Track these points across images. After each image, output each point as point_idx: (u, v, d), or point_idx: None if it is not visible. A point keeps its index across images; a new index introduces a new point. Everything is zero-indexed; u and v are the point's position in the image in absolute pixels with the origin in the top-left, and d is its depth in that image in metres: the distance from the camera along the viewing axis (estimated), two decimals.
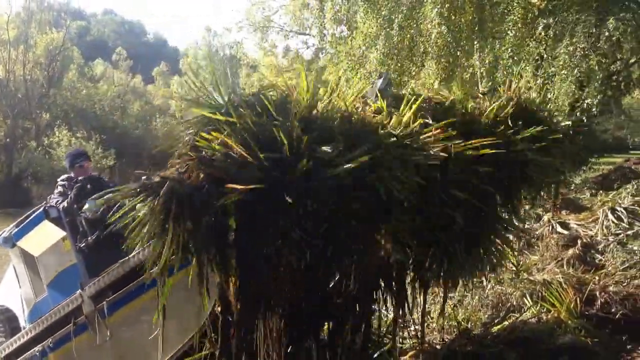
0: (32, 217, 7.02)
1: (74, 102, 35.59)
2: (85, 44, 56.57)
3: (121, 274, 5.58)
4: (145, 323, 5.42)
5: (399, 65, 15.32)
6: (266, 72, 38.47)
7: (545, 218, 8.75)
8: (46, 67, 34.56)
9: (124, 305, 5.60)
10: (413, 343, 4.85)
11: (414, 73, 15.63)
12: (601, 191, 11.53)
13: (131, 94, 41.49)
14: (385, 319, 6.37)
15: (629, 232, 7.25)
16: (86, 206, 6.82)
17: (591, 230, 7.86)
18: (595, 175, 14.28)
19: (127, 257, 5.52)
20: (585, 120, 12.34)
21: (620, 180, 12.58)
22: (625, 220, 7.62)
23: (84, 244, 6.75)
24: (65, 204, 7.02)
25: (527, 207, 9.47)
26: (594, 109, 11.49)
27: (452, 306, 7.12)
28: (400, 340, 5.22)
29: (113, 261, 5.71)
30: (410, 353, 4.80)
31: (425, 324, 5.52)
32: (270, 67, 37.92)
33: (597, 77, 10.98)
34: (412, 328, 5.60)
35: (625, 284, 6.22)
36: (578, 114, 11.76)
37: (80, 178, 7.28)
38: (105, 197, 6.79)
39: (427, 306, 7.16)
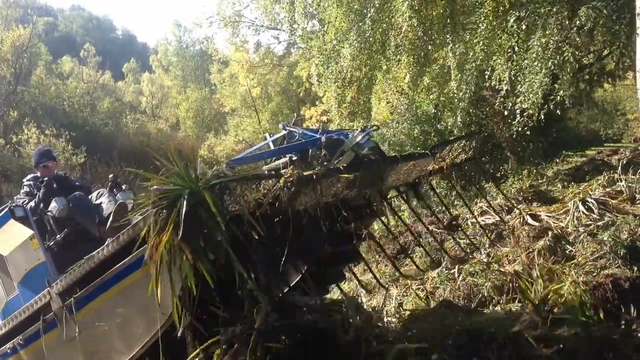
0: None
1: (43, 99, 35.06)
2: (53, 40, 55.88)
3: (87, 270, 5.55)
4: (112, 318, 5.42)
5: (371, 59, 15.34)
6: (237, 68, 38.36)
7: (517, 210, 8.81)
8: (13, 64, 33.93)
9: (91, 300, 5.58)
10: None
11: (385, 67, 15.66)
12: (573, 183, 11.63)
13: (100, 90, 41.02)
14: None
15: (599, 223, 7.31)
16: (53, 205, 6.77)
17: (562, 221, 7.92)
18: (568, 168, 14.40)
19: (92, 254, 5.52)
20: (559, 113, 12.49)
21: (592, 172, 12.70)
22: (596, 211, 7.68)
23: (52, 243, 6.71)
24: (32, 203, 6.98)
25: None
26: (566, 102, 11.59)
27: (423, 298, 7.17)
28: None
29: (82, 258, 5.70)
30: None
31: (399, 315, 5.53)
32: (241, 63, 37.76)
33: (570, 69, 11.08)
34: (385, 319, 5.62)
35: (595, 274, 6.28)
36: (551, 106, 11.86)
37: (46, 177, 7.24)
38: (71, 195, 6.80)
39: (399, 298, 7.24)
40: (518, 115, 12.29)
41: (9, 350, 6.49)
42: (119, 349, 5.52)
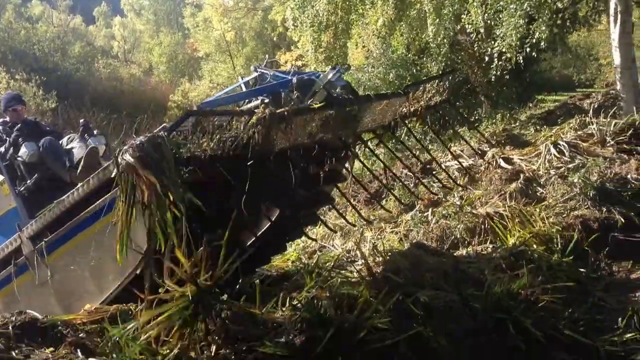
0: None
1: (12, 44, 34.21)
2: None
3: (57, 214, 5.53)
4: (83, 261, 5.44)
5: (347, 2, 15.15)
6: (211, 12, 37.68)
7: (490, 154, 8.87)
8: None
9: (62, 244, 5.57)
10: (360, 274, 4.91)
11: (362, 11, 15.49)
12: (545, 127, 11.72)
13: (71, 35, 40.05)
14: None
15: (570, 166, 7.39)
16: (23, 150, 6.69)
17: (534, 164, 8.00)
18: (540, 112, 14.49)
19: (62, 198, 5.49)
20: (535, 56, 12.50)
21: (564, 116, 12.79)
22: (567, 154, 7.76)
23: (23, 188, 6.64)
24: (2, 148, 6.89)
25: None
26: (542, 43, 11.58)
27: (398, 240, 7.26)
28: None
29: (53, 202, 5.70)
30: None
31: (371, 258, 5.59)
32: (215, 7, 37.08)
33: (546, 11, 11.03)
34: (359, 262, 5.68)
35: (565, 215, 6.39)
36: (528, 49, 11.85)
37: (16, 122, 7.14)
38: (42, 140, 6.72)
39: (373, 241, 7.32)
40: (495, 59, 12.28)
41: None
42: (92, 292, 5.54)
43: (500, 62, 12.23)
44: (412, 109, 6.24)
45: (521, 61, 12.10)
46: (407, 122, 6.35)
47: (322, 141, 5.52)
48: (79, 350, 4.11)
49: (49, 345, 4.22)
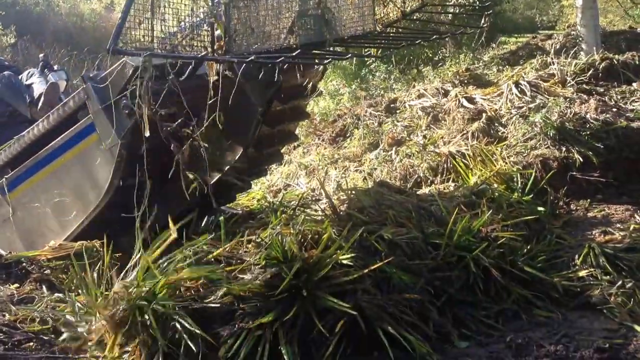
0: None
1: None
2: None
3: (18, 150, 5.47)
4: (46, 198, 5.42)
5: None
6: None
7: (453, 93, 8.90)
8: None
9: (24, 181, 5.53)
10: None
11: None
12: (507, 67, 11.78)
13: None
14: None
15: (531, 105, 7.45)
16: None
17: (496, 104, 8.05)
18: (503, 52, 14.53)
19: (22, 134, 5.43)
20: None
21: (526, 57, 12.85)
22: (529, 94, 7.81)
23: None
24: None
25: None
26: None
27: (362, 179, 7.33)
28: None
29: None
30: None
31: (335, 196, 5.64)
32: None
33: None
34: (324, 201, 5.72)
35: (525, 154, 6.50)
36: None
37: None
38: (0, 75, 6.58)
39: (337, 180, 7.39)
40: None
41: None
42: (54, 230, 5.53)
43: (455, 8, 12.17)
44: (388, 13, 5.94)
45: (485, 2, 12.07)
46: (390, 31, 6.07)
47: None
48: (44, 286, 4.14)
49: (14, 282, 4.24)
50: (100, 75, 4.96)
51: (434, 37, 5.92)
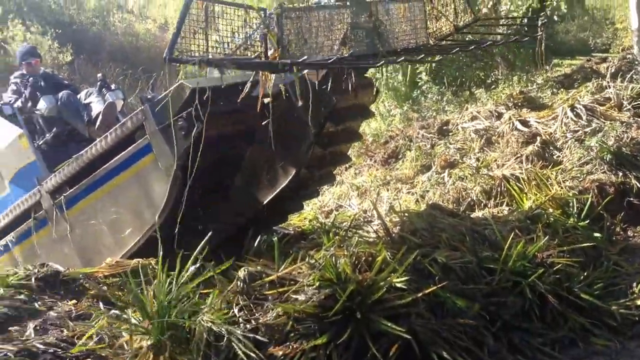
0: None
1: None
2: None
3: (76, 169, 5.60)
4: (102, 216, 5.52)
5: None
6: None
7: (506, 116, 8.81)
8: None
9: (81, 199, 5.65)
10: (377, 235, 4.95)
11: None
12: (562, 90, 11.59)
13: None
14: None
15: (587, 129, 7.34)
16: (41, 103, 6.74)
17: (550, 127, 7.95)
18: (557, 75, 14.31)
19: (80, 153, 5.55)
20: (556, 20, 12.29)
21: (581, 80, 12.63)
22: (584, 117, 7.70)
23: (42, 142, 6.71)
24: (19, 102, 6.93)
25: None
26: (563, 8, 11.39)
27: (414, 201, 7.29)
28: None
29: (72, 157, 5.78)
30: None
31: (387, 218, 5.62)
32: None
33: None
34: (375, 222, 5.70)
35: (581, 179, 6.38)
36: (548, 12, 11.67)
37: (33, 75, 7.17)
38: (60, 94, 6.77)
39: (389, 201, 7.36)
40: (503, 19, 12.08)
41: (1, 248, 6.60)
42: (110, 247, 5.63)
43: (508, 20, 12.04)
44: (441, 27, 5.89)
45: (539, 23, 11.93)
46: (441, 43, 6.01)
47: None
48: (100, 303, 4.20)
49: (71, 298, 4.32)
50: (158, 97, 5.05)
51: (488, 43, 5.84)
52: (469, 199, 6.88)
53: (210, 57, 4.14)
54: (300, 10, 4.54)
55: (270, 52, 4.27)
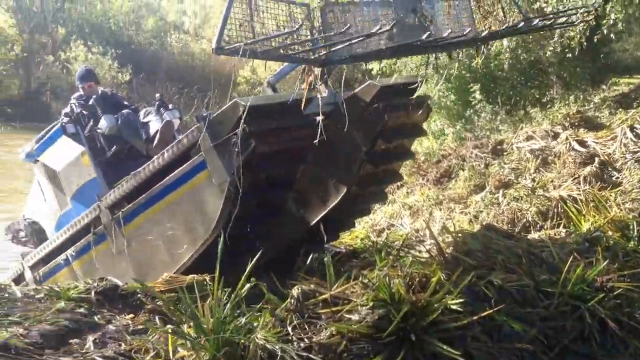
0: (51, 133, 7.21)
1: (89, 17, 35.38)
2: None
3: (134, 185, 5.74)
4: (158, 231, 5.63)
5: None
6: None
7: (563, 136, 8.66)
8: None
9: (139, 215, 5.77)
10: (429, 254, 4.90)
11: None
12: (620, 109, 11.34)
13: (145, 9, 40.87)
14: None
15: None
16: (102, 122, 6.93)
17: (609, 148, 7.78)
18: (615, 94, 14.01)
19: (138, 170, 5.68)
20: (613, 38, 12.06)
21: None
22: None
23: (102, 159, 6.89)
24: (71, 123, 7.15)
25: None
26: (620, 25, 11.15)
27: (467, 221, 7.20)
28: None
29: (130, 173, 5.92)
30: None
31: (440, 238, 5.56)
32: None
33: None
34: (428, 242, 5.66)
35: None
36: (605, 31, 11.45)
37: (90, 97, 7.40)
38: (120, 113, 6.96)
39: (442, 221, 7.29)
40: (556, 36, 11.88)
41: (62, 262, 6.79)
42: (166, 262, 5.73)
43: (562, 40, 11.82)
44: (490, 27, 5.79)
45: (595, 41, 11.70)
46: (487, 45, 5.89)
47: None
48: (157, 318, 4.27)
49: (129, 312, 4.40)
50: (213, 115, 5.14)
51: (539, 26, 5.69)
52: (525, 220, 6.76)
53: (255, 48, 4.17)
54: (345, 5, 4.58)
55: (313, 46, 4.31)
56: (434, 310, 3.60)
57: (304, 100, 4.66)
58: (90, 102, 7.33)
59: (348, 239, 7.34)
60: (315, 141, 4.63)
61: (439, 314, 3.60)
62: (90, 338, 3.78)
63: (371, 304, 3.71)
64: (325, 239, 6.42)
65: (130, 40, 34.90)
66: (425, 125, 6.35)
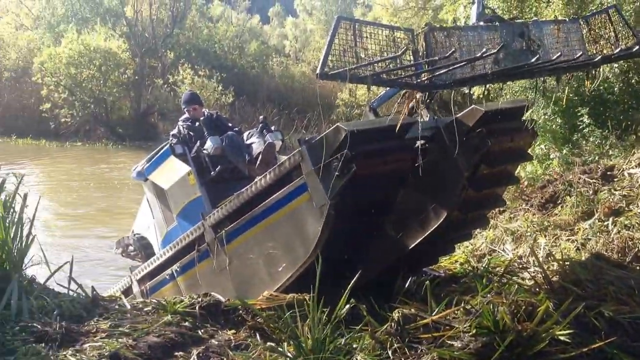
0: (160, 153, 7.51)
1: (196, 42, 36.87)
2: None
3: (237, 205, 5.89)
4: (259, 250, 5.72)
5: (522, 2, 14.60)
6: (381, 12, 37.84)
7: None
8: (170, 7, 35.82)
9: (241, 234, 5.90)
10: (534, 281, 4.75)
11: (536, 9, 14.90)
12: None
13: (248, 34, 42.18)
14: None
15: None
16: (208, 144, 7.15)
17: None
18: None
19: (241, 190, 5.79)
20: None
21: None
22: None
23: (207, 179, 7.10)
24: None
25: None
26: None
27: (574, 249, 6.92)
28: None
29: (233, 193, 6.09)
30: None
31: (546, 266, 5.38)
32: (385, 6, 37.22)
33: None
34: (532, 269, 5.49)
35: None
36: None
37: (196, 119, 7.67)
38: (225, 135, 7.18)
39: (547, 248, 7.04)
40: None
41: (167, 277, 7.03)
42: (265, 281, 5.81)
43: None
44: (602, 50, 5.57)
45: None
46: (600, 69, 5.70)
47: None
48: (257, 335, 4.33)
49: (230, 328, 4.49)
50: (315, 139, 5.19)
51: None
52: (636, 250, 6.41)
53: (358, 73, 4.20)
54: (449, 29, 4.54)
55: (416, 71, 4.29)
56: (541, 341, 3.48)
57: (399, 124, 4.67)
58: (197, 124, 7.60)
59: (447, 263, 7.21)
60: (416, 165, 4.61)
61: (546, 344, 3.47)
62: (195, 351, 3.87)
63: (474, 331, 3.63)
64: (425, 262, 6.38)
65: (233, 64, 36.07)
66: (529, 150, 6.16)
